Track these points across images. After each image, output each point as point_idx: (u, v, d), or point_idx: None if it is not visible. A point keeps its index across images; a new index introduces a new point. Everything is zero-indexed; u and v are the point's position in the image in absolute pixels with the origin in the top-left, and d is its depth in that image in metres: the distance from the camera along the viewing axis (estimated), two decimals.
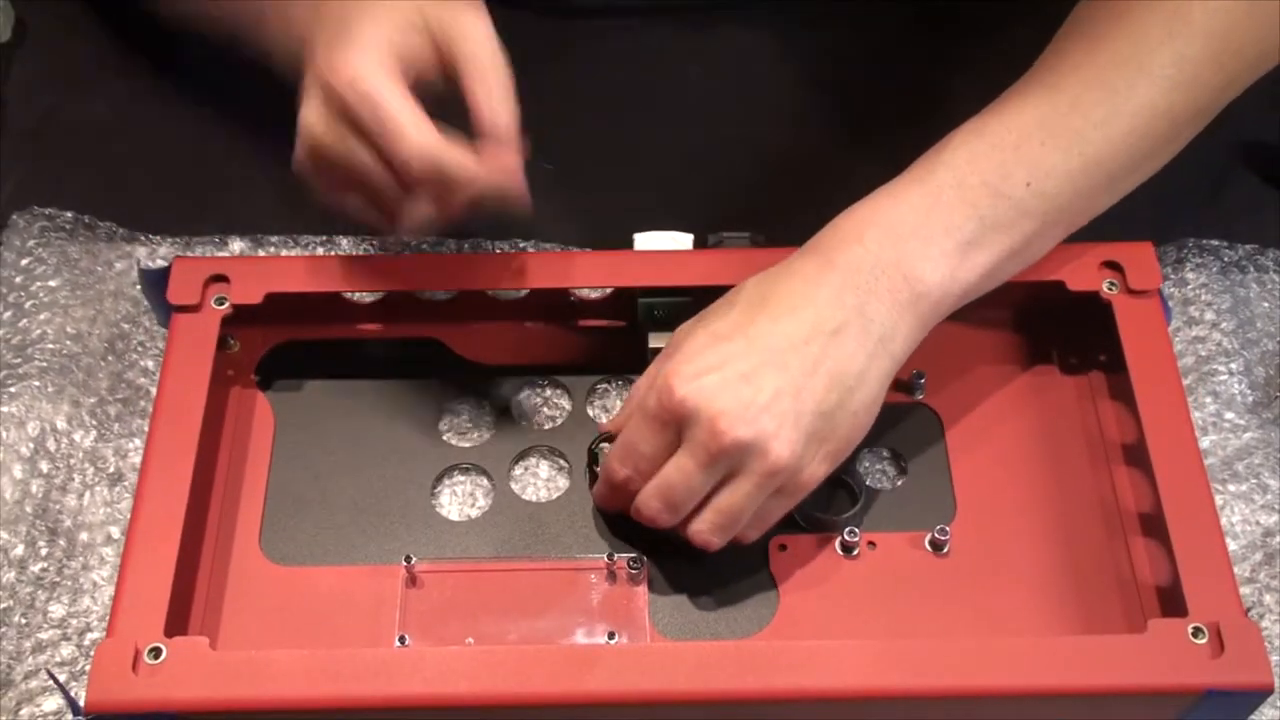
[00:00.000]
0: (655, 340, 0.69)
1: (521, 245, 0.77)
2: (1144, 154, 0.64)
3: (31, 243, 0.76)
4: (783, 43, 0.84)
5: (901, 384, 0.69)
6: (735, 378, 0.58)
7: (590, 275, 0.68)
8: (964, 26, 0.83)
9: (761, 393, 0.57)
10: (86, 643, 0.64)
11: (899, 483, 0.67)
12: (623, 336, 0.71)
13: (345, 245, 0.77)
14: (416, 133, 0.58)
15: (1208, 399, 0.72)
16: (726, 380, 0.58)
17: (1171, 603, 0.60)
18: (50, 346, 0.72)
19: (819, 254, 0.61)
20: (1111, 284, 0.67)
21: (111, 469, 0.69)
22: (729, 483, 0.59)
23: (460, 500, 0.67)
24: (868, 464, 0.68)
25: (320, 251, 0.77)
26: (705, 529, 0.60)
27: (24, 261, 0.75)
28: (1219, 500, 0.68)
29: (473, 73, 0.60)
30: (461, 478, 0.68)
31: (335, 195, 0.63)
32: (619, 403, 0.70)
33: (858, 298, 0.59)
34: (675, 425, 0.58)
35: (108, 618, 0.58)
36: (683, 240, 0.69)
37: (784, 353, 0.58)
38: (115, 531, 0.67)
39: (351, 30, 0.60)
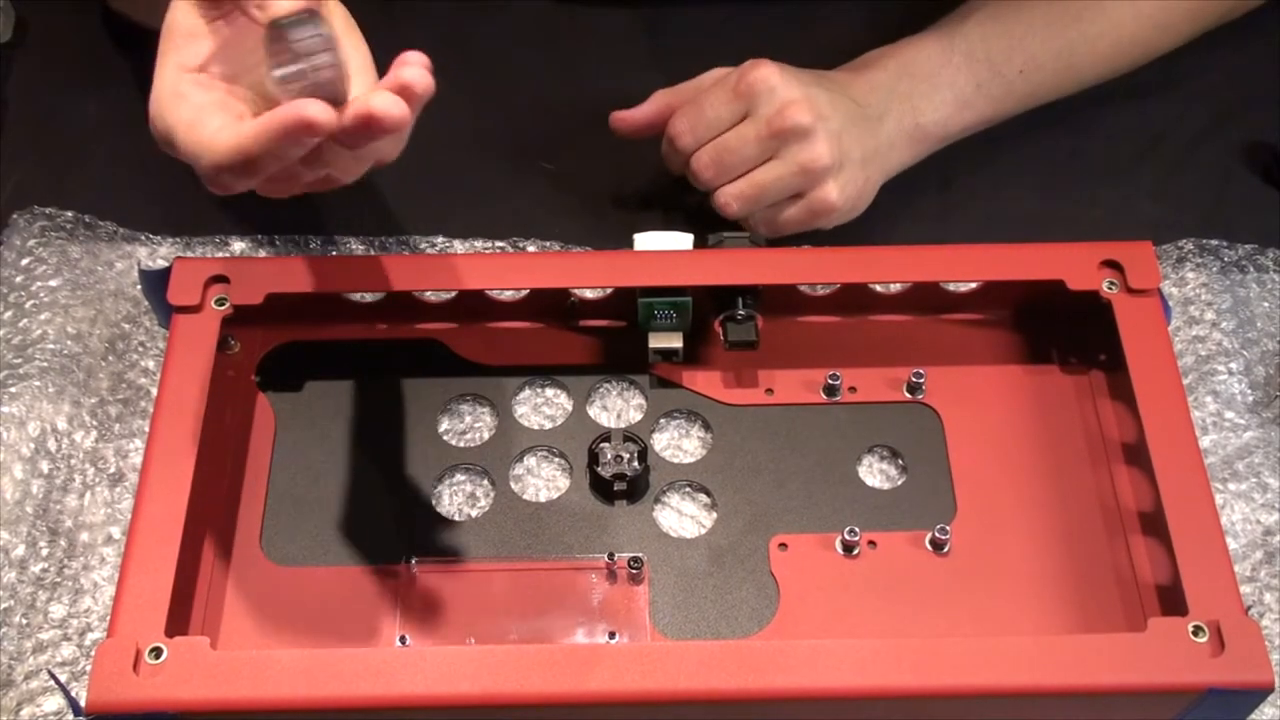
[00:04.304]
0: (655, 340, 0.69)
1: (522, 245, 0.77)
2: (1116, 69, 0.77)
3: (32, 242, 0.76)
4: (782, 42, 0.84)
5: (902, 383, 0.69)
6: (808, 89, 0.70)
7: (590, 275, 0.68)
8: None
9: (826, 107, 0.70)
10: (87, 643, 0.64)
11: (899, 482, 0.67)
12: (623, 336, 0.71)
13: (345, 246, 0.77)
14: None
15: (1208, 398, 0.72)
16: (803, 85, 0.70)
17: (1172, 601, 0.60)
18: (51, 347, 0.72)
19: (848, 70, 0.75)
20: (1111, 283, 0.67)
21: (112, 469, 0.69)
22: (769, 163, 0.70)
23: (461, 500, 0.67)
24: (868, 463, 0.68)
25: (320, 252, 0.77)
26: (734, 194, 0.71)
27: (24, 261, 0.76)
28: (1219, 499, 0.68)
29: None
30: (462, 478, 0.68)
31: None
32: (620, 402, 0.70)
33: (874, 109, 0.73)
34: (747, 100, 0.70)
35: (108, 618, 0.58)
36: (683, 240, 0.69)
37: (835, 103, 0.71)
38: (116, 532, 0.67)
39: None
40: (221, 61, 0.56)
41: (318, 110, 0.50)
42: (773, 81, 0.69)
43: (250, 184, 0.54)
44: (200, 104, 0.54)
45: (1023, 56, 0.75)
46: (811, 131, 0.69)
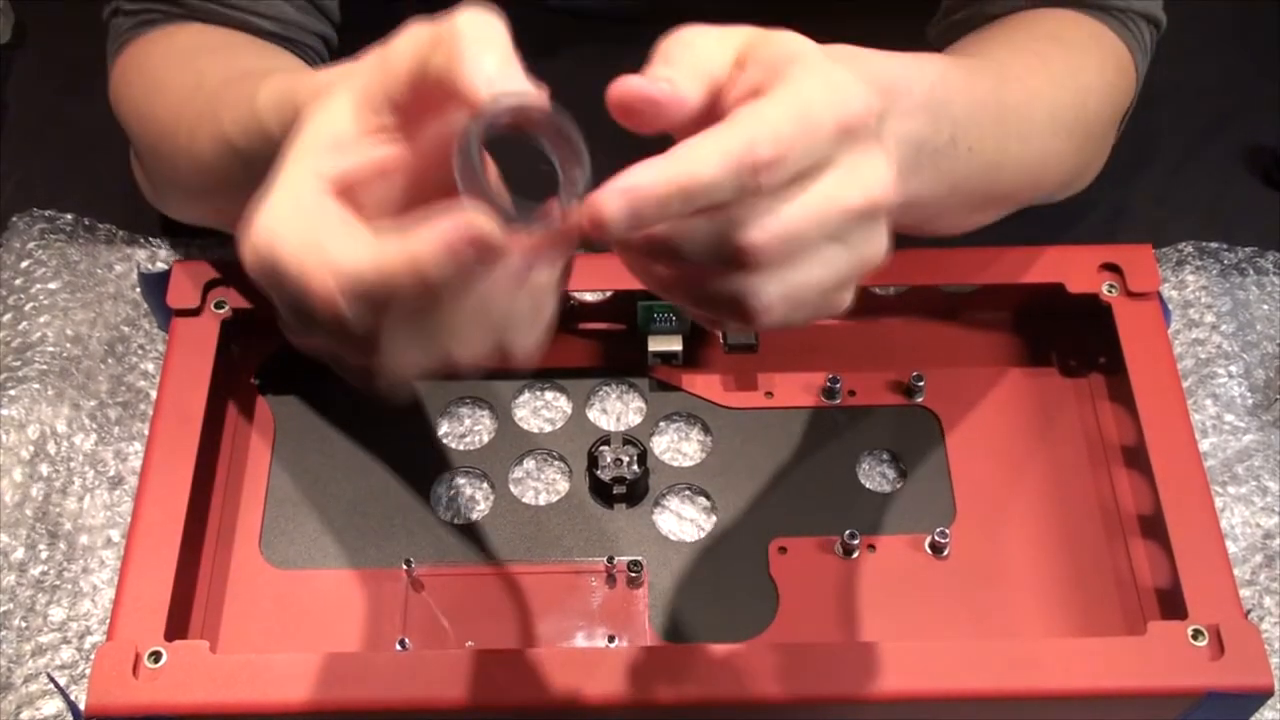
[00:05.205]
0: (655, 343, 0.69)
1: None
2: (1043, 172, 0.63)
3: (31, 245, 0.76)
4: None
5: (901, 386, 0.69)
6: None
7: (590, 278, 0.68)
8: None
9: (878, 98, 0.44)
10: (87, 646, 0.64)
11: (899, 485, 0.67)
12: (622, 339, 0.70)
13: None
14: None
15: (1207, 401, 0.72)
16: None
17: (1171, 605, 0.60)
18: (50, 349, 0.72)
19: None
20: (1111, 286, 0.67)
21: (111, 472, 0.69)
22: (807, 182, 0.41)
23: (460, 503, 0.67)
24: (867, 466, 0.68)
25: None
26: (777, 233, 0.41)
27: (24, 264, 0.75)
28: (1219, 503, 0.68)
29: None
30: (461, 481, 0.68)
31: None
32: (619, 405, 0.70)
33: None
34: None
35: (108, 621, 0.58)
36: None
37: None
38: (115, 535, 0.67)
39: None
40: (383, 188, 0.43)
41: (485, 223, 0.40)
42: (834, 52, 0.45)
43: (371, 323, 0.41)
44: (327, 221, 0.41)
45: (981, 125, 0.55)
46: (872, 135, 0.43)
